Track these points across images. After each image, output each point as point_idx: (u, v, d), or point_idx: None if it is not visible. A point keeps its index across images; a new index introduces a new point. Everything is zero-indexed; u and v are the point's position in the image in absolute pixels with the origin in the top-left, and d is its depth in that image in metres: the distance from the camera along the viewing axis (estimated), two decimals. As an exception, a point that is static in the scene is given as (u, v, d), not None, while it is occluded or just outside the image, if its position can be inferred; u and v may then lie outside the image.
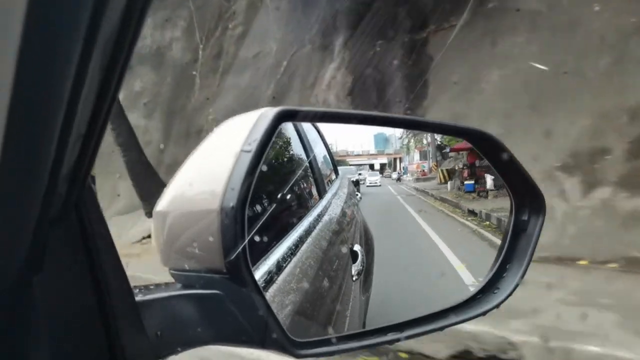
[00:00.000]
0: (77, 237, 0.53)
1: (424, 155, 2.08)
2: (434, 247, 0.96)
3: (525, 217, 0.97)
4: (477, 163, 1.78)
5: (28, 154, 0.41)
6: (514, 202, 1.00)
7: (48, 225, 0.48)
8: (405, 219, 1.05)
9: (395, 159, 1.94)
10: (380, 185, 1.54)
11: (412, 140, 2.08)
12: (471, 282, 1.00)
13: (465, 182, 1.47)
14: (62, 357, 0.52)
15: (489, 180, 1.52)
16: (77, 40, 0.36)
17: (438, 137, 2.26)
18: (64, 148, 0.42)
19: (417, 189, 1.64)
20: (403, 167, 2.01)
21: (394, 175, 1.75)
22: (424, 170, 1.94)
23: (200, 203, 0.68)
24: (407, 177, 1.89)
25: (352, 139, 1.45)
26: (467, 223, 1.16)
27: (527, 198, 0.97)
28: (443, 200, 1.41)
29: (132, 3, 0.38)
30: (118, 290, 0.57)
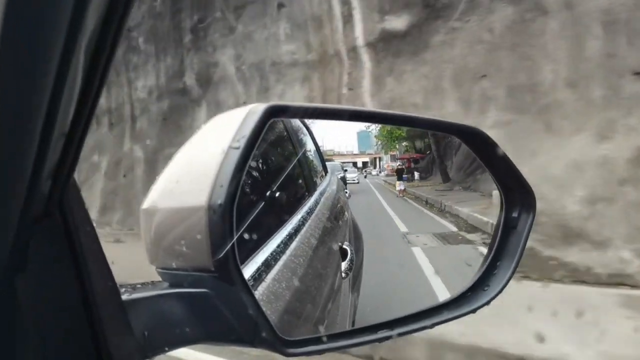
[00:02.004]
0: (61, 235, 0.52)
1: (394, 158, 2.84)
2: (374, 195, 2.23)
3: (515, 214, 0.97)
4: (412, 166, 2.96)
5: (9, 151, 0.40)
6: (504, 199, 1.00)
7: (31, 224, 0.47)
8: (369, 190, 2.26)
9: (375, 159, 2.64)
10: (358, 182, 2.22)
11: (384, 147, 2.79)
12: (377, 192, 2.30)
13: (403, 176, 2.47)
14: (48, 358, 0.51)
15: (416, 175, 2.74)
16: (59, 37, 0.35)
17: (404, 142, 3.07)
18: (46, 146, 0.41)
19: (384, 181, 2.54)
20: (382, 166, 2.70)
21: (373, 172, 2.57)
22: (393, 169, 2.67)
23: (188, 200, 0.67)
24: (382, 174, 2.63)
25: (337, 139, 1.69)
26: (391, 189, 2.34)
27: (517, 195, 0.98)
28: (390, 184, 2.44)
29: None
30: (104, 289, 0.56)
